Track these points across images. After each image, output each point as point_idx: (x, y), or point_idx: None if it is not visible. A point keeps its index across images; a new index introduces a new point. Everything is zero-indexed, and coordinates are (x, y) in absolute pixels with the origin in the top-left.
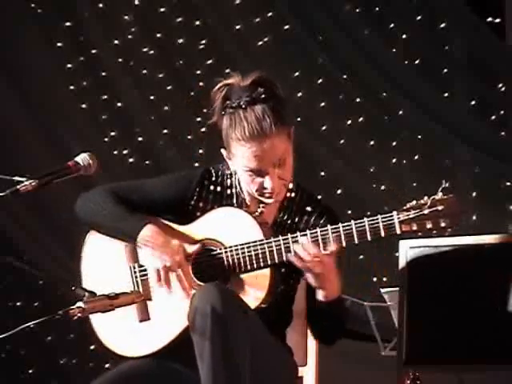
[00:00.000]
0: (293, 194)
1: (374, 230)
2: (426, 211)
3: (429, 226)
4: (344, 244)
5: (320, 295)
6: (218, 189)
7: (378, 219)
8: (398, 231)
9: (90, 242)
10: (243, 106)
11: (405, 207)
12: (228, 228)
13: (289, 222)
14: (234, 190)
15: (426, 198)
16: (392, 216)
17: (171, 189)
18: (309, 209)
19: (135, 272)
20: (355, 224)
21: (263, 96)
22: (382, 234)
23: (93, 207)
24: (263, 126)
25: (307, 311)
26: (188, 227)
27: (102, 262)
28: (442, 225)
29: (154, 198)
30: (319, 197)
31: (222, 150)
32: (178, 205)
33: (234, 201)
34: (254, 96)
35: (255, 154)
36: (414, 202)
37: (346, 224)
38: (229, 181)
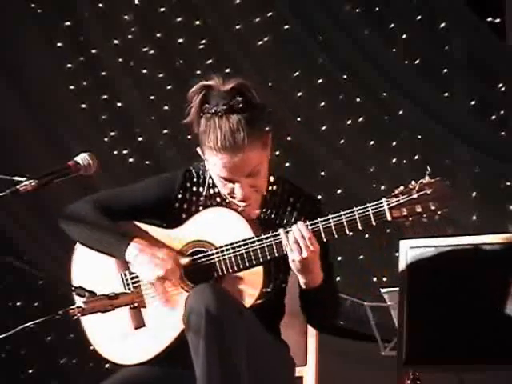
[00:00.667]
0: (274, 187)
1: (365, 218)
2: (415, 195)
3: (418, 209)
4: (336, 235)
5: (301, 282)
6: (200, 189)
7: (367, 207)
8: (389, 218)
9: (79, 249)
10: (219, 114)
11: (393, 193)
12: (217, 228)
13: (273, 216)
14: (216, 190)
15: (413, 182)
16: (382, 203)
17: (154, 192)
18: (292, 199)
19: (127, 280)
20: (345, 214)
21: (240, 106)
22: (373, 222)
23: (77, 226)
24: (236, 139)
25: (300, 298)
26: (177, 230)
27: (92, 270)
28: (432, 208)
29: (138, 204)
30: (320, 197)
31: (198, 149)
32: (162, 208)
33: (217, 200)
34: (231, 104)
35: (226, 165)
36: (402, 188)
37: (336, 215)
38: (210, 180)
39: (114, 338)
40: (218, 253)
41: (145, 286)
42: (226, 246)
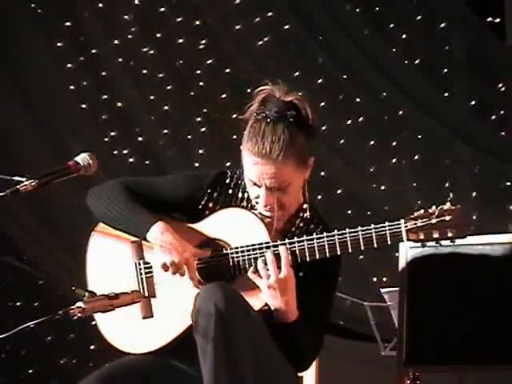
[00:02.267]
0: (306, 214)
1: (381, 237)
2: (433, 221)
3: (435, 235)
4: (350, 250)
5: (274, 313)
6: (230, 191)
7: (385, 227)
8: (405, 239)
9: (94, 239)
10: (268, 120)
11: (412, 216)
12: (235, 229)
13: (293, 235)
14: (245, 195)
15: (433, 207)
16: (399, 224)
17: (182, 188)
18: (312, 226)
19: (140, 268)
20: (362, 231)
21: (291, 120)
22: (389, 241)
23: (105, 200)
24: (272, 150)
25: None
26: (195, 226)
27: (107, 260)
28: (449, 235)
29: (164, 196)
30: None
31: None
32: (187, 204)
33: (244, 204)
34: (283, 114)
35: (256, 169)
36: (422, 211)
37: (352, 230)
38: (242, 183)
39: (123, 327)
40: (232, 253)
41: (157, 277)
42: (242, 247)
